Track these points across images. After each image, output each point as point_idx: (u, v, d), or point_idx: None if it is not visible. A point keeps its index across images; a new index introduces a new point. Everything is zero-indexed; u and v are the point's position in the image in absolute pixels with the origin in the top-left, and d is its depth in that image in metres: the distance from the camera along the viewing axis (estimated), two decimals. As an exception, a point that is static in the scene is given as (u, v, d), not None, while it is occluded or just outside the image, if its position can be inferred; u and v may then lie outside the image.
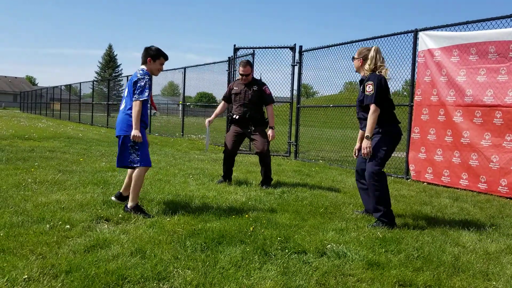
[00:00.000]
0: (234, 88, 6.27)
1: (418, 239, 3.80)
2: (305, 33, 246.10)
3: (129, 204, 4.21)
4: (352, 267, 3.08)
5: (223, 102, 6.48)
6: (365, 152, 4.20)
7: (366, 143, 4.19)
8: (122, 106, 4.34)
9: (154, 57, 4.31)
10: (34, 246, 3.15)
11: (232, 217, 4.19)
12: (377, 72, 4.27)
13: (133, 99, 4.12)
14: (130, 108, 4.20)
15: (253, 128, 6.10)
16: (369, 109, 4.22)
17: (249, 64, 6.12)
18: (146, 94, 4.12)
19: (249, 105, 6.08)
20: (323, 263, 3.12)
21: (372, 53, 4.32)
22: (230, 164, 6.21)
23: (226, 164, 6.20)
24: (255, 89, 6.09)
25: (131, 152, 4.22)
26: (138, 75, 4.20)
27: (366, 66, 4.34)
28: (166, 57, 4.41)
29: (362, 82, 4.42)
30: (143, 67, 4.31)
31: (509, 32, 5.97)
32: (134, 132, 4.10)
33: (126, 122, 4.23)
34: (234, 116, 6.18)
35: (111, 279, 2.66)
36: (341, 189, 6.05)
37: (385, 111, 4.26)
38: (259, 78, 6.36)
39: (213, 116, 6.29)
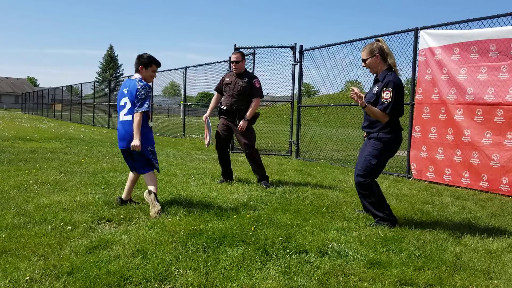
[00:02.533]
0: (226, 79, 6.25)
1: (419, 238, 3.79)
2: (306, 32, 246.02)
3: (151, 189, 4.32)
4: (353, 266, 3.08)
5: (216, 93, 6.43)
6: (357, 92, 3.94)
7: (360, 100, 3.96)
8: (128, 117, 4.33)
9: (146, 65, 4.42)
10: (36, 247, 3.16)
11: (233, 217, 4.19)
12: (392, 69, 4.15)
13: (135, 111, 4.25)
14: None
15: (238, 121, 6.05)
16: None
17: (240, 53, 6.12)
18: (146, 105, 4.25)
19: (237, 97, 6.04)
20: (325, 262, 3.12)
21: (385, 46, 4.15)
22: (225, 160, 6.19)
23: (221, 160, 6.20)
24: (245, 81, 6.05)
25: (154, 158, 4.46)
26: (138, 86, 4.28)
27: (390, 60, 4.13)
28: (158, 64, 4.50)
29: (377, 81, 4.19)
30: (138, 76, 4.40)
31: (510, 30, 5.96)
32: (134, 141, 4.21)
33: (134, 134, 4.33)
34: (222, 107, 6.16)
35: (113, 280, 2.66)
36: (342, 189, 6.05)
37: (394, 119, 4.12)
38: (254, 74, 6.32)
39: (209, 111, 6.28)
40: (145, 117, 4.31)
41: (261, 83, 6.23)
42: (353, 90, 3.97)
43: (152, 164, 4.47)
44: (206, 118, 6.21)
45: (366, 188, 4.17)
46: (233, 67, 6.11)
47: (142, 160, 4.46)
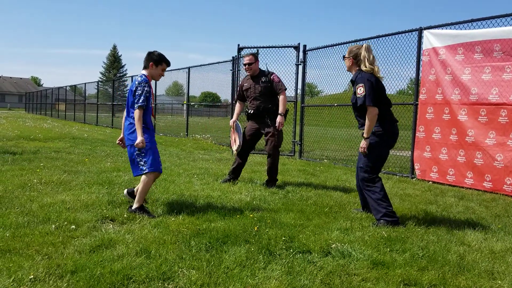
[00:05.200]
0: (244, 84, 6.25)
1: (423, 238, 3.79)
2: (309, 32, 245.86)
3: (134, 205, 4.23)
4: (357, 266, 3.07)
5: (238, 102, 6.41)
6: (361, 151, 4.26)
7: (362, 143, 4.23)
8: (124, 114, 4.39)
9: (156, 62, 4.36)
10: (40, 246, 3.17)
11: (236, 217, 4.19)
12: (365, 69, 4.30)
13: (134, 107, 4.19)
14: (130, 117, 4.28)
15: (269, 121, 6.01)
16: (363, 110, 4.24)
17: (253, 54, 6.11)
18: (141, 100, 4.15)
19: (261, 98, 6.02)
20: (328, 262, 3.12)
21: (363, 53, 4.31)
22: (242, 161, 6.18)
23: (240, 162, 6.17)
24: (263, 80, 6.04)
25: (139, 160, 4.24)
26: (136, 83, 4.25)
27: (363, 68, 4.28)
28: (168, 63, 4.45)
29: (354, 82, 4.40)
30: (144, 72, 4.36)
31: (514, 30, 5.93)
32: (138, 139, 4.12)
33: (128, 131, 4.29)
34: (249, 111, 6.14)
35: (116, 279, 2.67)
36: (346, 188, 6.04)
37: (381, 110, 4.22)
38: (265, 69, 6.26)
39: (235, 116, 6.30)
40: (144, 114, 4.23)
41: None
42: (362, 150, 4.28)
43: (140, 167, 4.25)
44: (234, 123, 6.18)
45: (371, 182, 4.27)
46: (247, 69, 6.10)
47: (131, 161, 4.35)
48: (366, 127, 4.18)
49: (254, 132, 6.14)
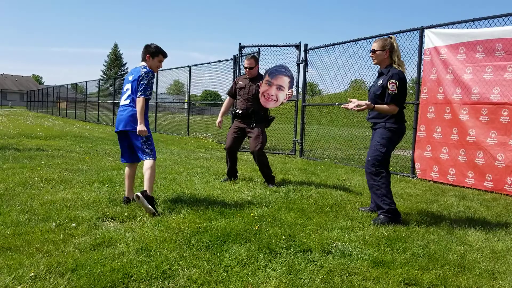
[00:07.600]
0: (239, 82, 6.22)
1: (424, 237, 3.78)
2: (310, 31, 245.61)
3: (147, 192, 4.16)
4: (357, 265, 3.07)
5: (228, 98, 6.41)
6: (353, 105, 4.28)
7: (365, 105, 4.22)
8: (127, 102, 4.40)
9: (153, 54, 4.45)
10: (41, 244, 3.17)
11: (237, 216, 4.19)
12: (397, 67, 4.32)
13: (137, 95, 4.28)
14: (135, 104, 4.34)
15: (254, 124, 6.02)
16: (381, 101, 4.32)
17: (254, 58, 6.11)
18: (149, 92, 4.31)
19: (253, 100, 6.02)
20: (328, 261, 3.12)
21: (395, 44, 4.35)
22: (232, 161, 6.17)
23: (230, 161, 6.17)
24: (259, 84, 6.05)
25: (145, 147, 4.36)
26: (142, 73, 4.32)
27: (396, 59, 4.33)
28: (164, 55, 4.54)
29: (381, 75, 4.37)
30: (144, 64, 4.44)
31: (516, 30, 5.92)
32: (139, 127, 4.24)
33: (134, 117, 4.32)
34: (237, 111, 6.13)
35: (117, 277, 2.67)
36: (346, 188, 6.04)
37: (399, 111, 4.31)
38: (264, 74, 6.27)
39: (220, 117, 6.28)
40: (147, 104, 4.34)
41: None
42: (353, 104, 4.31)
43: (147, 152, 4.37)
44: (218, 124, 6.25)
45: (377, 176, 4.29)
46: (247, 72, 6.11)
47: (135, 147, 4.44)
48: (380, 108, 4.23)
49: (240, 131, 6.12)
